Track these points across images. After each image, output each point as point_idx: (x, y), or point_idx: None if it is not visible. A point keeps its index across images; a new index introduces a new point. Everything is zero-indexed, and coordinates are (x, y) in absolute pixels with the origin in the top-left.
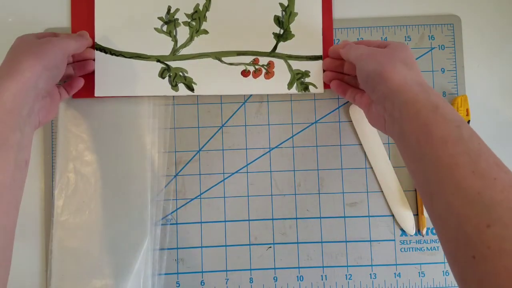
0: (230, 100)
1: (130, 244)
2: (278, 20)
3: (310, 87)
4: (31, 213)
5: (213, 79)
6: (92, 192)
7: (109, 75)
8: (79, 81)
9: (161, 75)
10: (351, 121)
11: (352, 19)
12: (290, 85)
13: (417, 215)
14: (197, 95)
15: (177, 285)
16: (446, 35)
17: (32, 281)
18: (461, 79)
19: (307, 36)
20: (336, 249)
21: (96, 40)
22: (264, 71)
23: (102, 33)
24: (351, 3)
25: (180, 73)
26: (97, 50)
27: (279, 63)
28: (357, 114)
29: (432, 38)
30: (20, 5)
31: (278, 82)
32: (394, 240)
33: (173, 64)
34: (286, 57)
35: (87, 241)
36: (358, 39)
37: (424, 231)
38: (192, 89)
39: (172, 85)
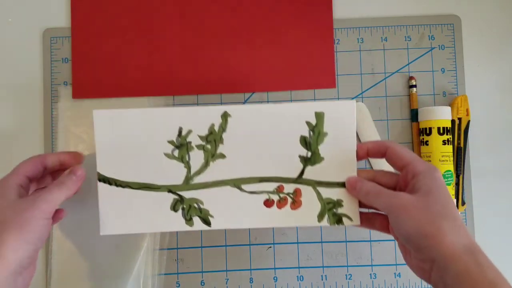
0: (230, 100)
1: (130, 244)
2: (305, 141)
3: (344, 219)
4: None
5: (232, 211)
6: (92, 192)
7: (115, 210)
8: (61, 213)
9: (174, 208)
10: None
11: (352, 19)
12: (320, 217)
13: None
14: (197, 95)
15: (177, 285)
16: (446, 35)
17: (33, 281)
18: (461, 79)
19: (338, 159)
20: (336, 249)
21: (98, 170)
22: (290, 200)
23: (105, 162)
24: (351, 3)
25: (195, 205)
26: (100, 181)
27: (307, 191)
28: (357, 114)
29: (432, 38)
30: (20, 5)
31: (307, 213)
32: (394, 240)
33: (186, 194)
34: (315, 184)
35: (87, 241)
36: (358, 39)
37: None
38: (209, 223)
39: (186, 219)
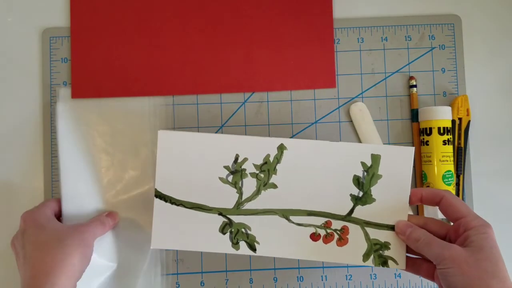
0: (230, 100)
1: (139, 242)
2: (357, 181)
3: (390, 261)
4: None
5: (278, 240)
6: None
7: (167, 226)
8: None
9: (222, 230)
10: (351, 121)
11: (352, 19)
12: (366, 257)
13: (417, 215)
14: (197, 95)
15: (177, 285)
16: (446, 35)
17: None
18: (462, 79)
19: (390, 202)
20: None
21: (156, 187)
22: (336, 236)
23: (163, 180)
24: (351, 3)
25: (243, 230)
26: (156, 197)
27: (354, 230)
28: (357, 114)
29: (433, 38)
30: (20, 4)
31: (352, 251)
32: None
33: (235, 219)
34: (364, 224)
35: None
36: (358, 39)
37: None
38: (254, 249)
39: (233, 243)
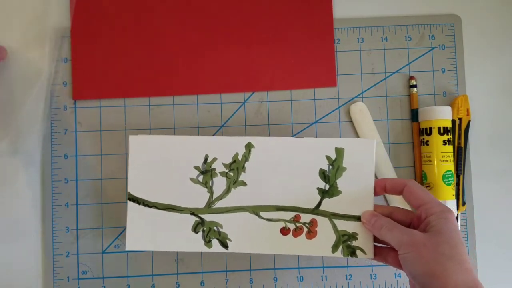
0: (230, 100)
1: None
2: (323, 175)
3: (358, 251)
4: (32, 212)
5: (249, 236)
6: None
7: (141, 227)
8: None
9: (195, 229)
10: (351, 121)
11: (352, 19)
12: (334, 248)
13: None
14: (197, 95)
15: (177, 285)
16: (446, 34)
17: (33, 281)
18: (462, 79)
19: (356, 193)
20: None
21: (129, 190)
22: (305, 229)
23: (136, 183)
24: (351, 3)
25: (215, 228)
26: (129, 200)
27: (322, 222)
28: (357, 114)
29: (433, 38)
30: (20, 4)
31: (321, 243)
32: None
33: (207, 217)
34: (331, 216)
35: None
36: (358, 39)
37: None
38: (226, 246)
39: (205, 241)
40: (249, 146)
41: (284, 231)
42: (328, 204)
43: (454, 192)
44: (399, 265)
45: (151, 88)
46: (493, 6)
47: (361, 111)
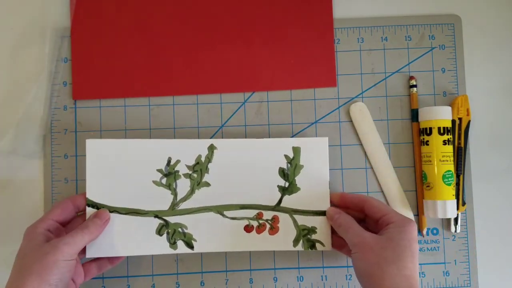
0: (230, 100)
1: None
2: (283, 173)
3: (317, 244)
4: (32, 213)
5: (214, 235)
6: None
7: (102, 234)
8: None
9: (159, 232)
10: (351, 121)
11: (352, 19)
12: (295, 242)
13: (417, 215)
14: (197, 95)
15: (177, 285)
16: (446, 34)
17: None
18: (462, 79)
19: (313, 189)
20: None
21: (87, 196)
22: (268, 226)
23: (95, 188)
24: (351, 3)
25: (179, 229)
26: (88, 206)
27: (284, 218)
28: (357, 114)
29: (433, 38)
30: (20, 4)
31: (283, 239)
32: None
33: (171, 219)
34: (292, 212)
35: None
36: (358, 39)
37: (424, 231)
38: (191, 247)
39: (170, 243)
40: (211, 148)
41: (248, 228)
42: (289, 201)
43: (454, 192)
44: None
45: (151, 88)
46: (493, 6)
47: (361, 111)
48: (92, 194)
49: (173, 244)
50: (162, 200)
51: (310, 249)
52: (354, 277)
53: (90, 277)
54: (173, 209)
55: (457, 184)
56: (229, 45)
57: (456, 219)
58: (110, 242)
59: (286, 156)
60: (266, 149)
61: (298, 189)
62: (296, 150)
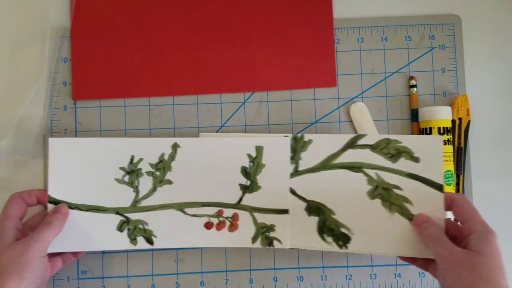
0: (230, 100)
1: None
2: (245, 171)
3: (275, 242)
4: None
5: (174, 232)
6: None
7: (63, 230)
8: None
9: (120, 228)
10: (351, 121)
11: (352, 19)
12: (254, 239)
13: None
14: (197, 95)
15: (177, 285)
16: (446, 35)
17: None
18: (462, 79)
19: (273, 188)
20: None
21: (49, 193)
22: (228, 223)
23: (57, 186)
24: (351, 3)
25: (140, 226)
26: (50, 203)
27: (244, 216)
28: (357, 114)
29: (433, 38)
30: (20, 4)
31: (242, 236)
32: None
33: (133, 216)
34: (252, 210)
35: None
36: (358, 39)
37: None
38: (151, 243)
39: (130, 239)
40: (175, 146)
41: (208, 225)
42: (249, 199)
43: (454, 192)
44: (426, 269)
45: (151, 88)
46: (493, 6)
47: (361, 111)
48: (54, 191)
49: (133, 240)
50: (124, 197)
51: (268, 246)
52: (354, 277)
53: (56, 271)
54: (135, 206)
55: (457, 184)
56: (229, 45)
57: (456, 219)
58: (71, 237)
59: (249, 155)
60: (229, 148)
61: (259, 187)
62: (259, 149)
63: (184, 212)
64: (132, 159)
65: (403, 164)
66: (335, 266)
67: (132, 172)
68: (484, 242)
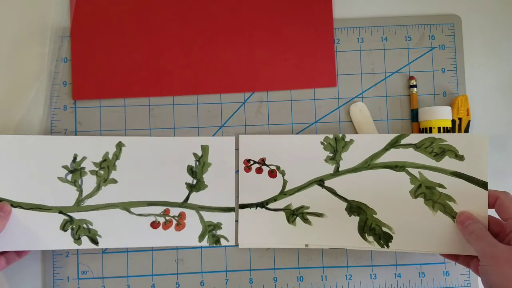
0: (230, 100)
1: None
2: (191, 170)
3: (222, 239)
4: None
5: (120, 231)
6: None
7: (6, 228)
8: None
9: (63, 227)
10: (351, 121)
11: (352, 19)
12: (201, 238)
13: None
14: (197, 95)
15: (177, 285)
16: (446, 35)
17: (33, 281)
18: (462, 79)
19: (220, 187)
20: (336, 249)
21: None
22: (175, 222)
23: None
24: (351, 3)
25: (84, 225)
26: None
27: (191, 214)
28: (357, 114)
29: (433, 38)
30: (20, 4)
31: (189, 234)
32: None
33: (76, 215)
34: (199, 208)
35: None
36: (358, 39)
37: None
38: (96, 242)
39: (74, 238)
40: (119, 145)
41: (154, 224)
42: (196, 198)
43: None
44: (468, 266)
45: (151, 88)
46: (493, 6)
47: (361, 111)
48: None
49: (77, 240)
50: (67, 196)
51: (215, 244)
52: (354, 277)
53: (0, 270)
54: (78, 205)
55: None
56: (229, 45)
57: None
58: (14, 236)
59: (195, 154)
60: (175, 147)
61: (206, 186)
62: (205, 148)
63: (130, 212)
64: (75, 158)
65: (447, 162)
66: (335, 266)
67: (75, 170)
68: None
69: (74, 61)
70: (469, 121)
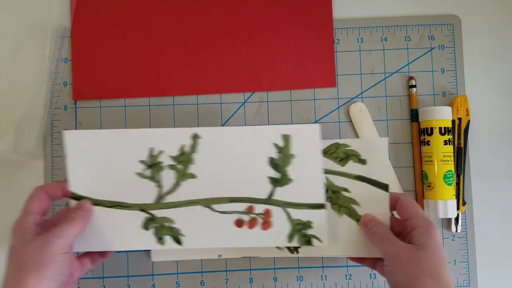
0: (230, 100)
1: None
2: (273, 163)
3: (313, 240)
4: None
5: (203, 230)
6: None
7: (88, 227)
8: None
9: (145, 226)
10: (351, 121)
11: (352, 19)
12: (290, 238)
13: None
14: (197, 95)
15: (177, 285)
16: (446, 35)
17: None
18: (461, 79)
19: (306, 181)
20: None
21: (71, 189)
22: (260, 220)
23: (78, 181)
24: (351, 3)
25: (166, 224)
26: (71, 199)
27: (276, 212)
28: (357, 114)
29: (432, 38)
30: (20, 4)
31: (277, 234)
32: None
33: (158, 213)
34: (285, 205)
35: None
36: (357, 39)
37: None
38: (180, 243)
39: (157, 238)
40: (195, 137)
41: (239, 223)
42: (281, 193)
43: (454, 192)
44: (374, 268)
45: (151, 88)
46: (493, 6)
47: (360, 111)
48: (75, 186)
49: (160, 240)
50: (147, 193)
51: (306, 245)
52: (354, 277)
53: (86, 271)
54: (159, 202)
55: (457, 184)
56: (229, 45)
57: (456, 219)
58: (96, 236)
59: (275, 145)
60: (253, 138)
61: (291, 180)
62: (286, 138)
63: (212, 209)
64: (151, 152)
65: (351, 167)
66: (335, 266)
67: (153, 165)
68: (427, 236)
69: (74, 61)
70: (468, 121)
